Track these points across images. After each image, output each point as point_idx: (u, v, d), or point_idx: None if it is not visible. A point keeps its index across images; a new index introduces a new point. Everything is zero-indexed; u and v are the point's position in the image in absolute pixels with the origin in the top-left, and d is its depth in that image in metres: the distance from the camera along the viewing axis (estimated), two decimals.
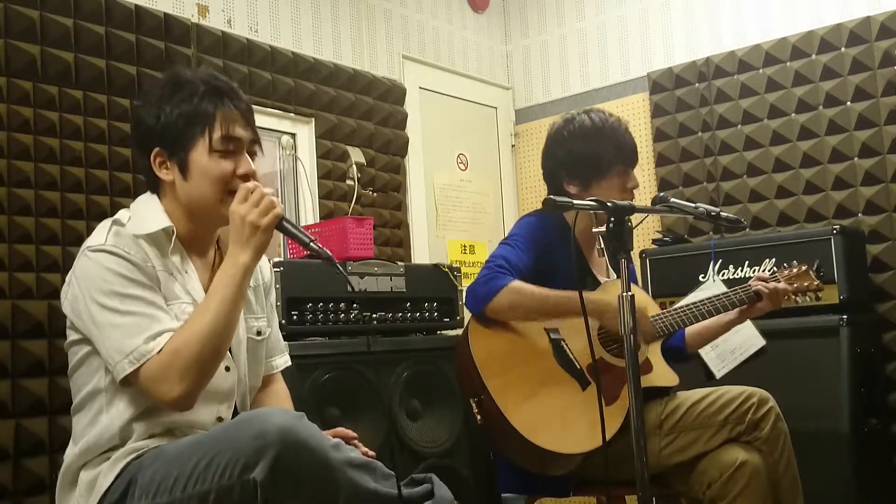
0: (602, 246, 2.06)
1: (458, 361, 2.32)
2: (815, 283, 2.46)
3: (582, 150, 2.37)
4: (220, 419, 1.75)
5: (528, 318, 2.27)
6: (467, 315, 2.38)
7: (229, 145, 1.73)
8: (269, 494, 1.44)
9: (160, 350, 1.60)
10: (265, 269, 2.00)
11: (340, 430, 1.85)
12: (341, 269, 1.74)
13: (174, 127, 1.72)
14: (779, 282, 2.42)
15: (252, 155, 1.78)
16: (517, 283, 2.22)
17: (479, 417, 2.21)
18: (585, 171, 2.37)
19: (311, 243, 1.69)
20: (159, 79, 1.88)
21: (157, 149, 1.75)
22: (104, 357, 1.65)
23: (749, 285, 2.41)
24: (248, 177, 1.74)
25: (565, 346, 2.28)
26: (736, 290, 2.40)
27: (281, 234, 3.32)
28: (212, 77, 1.78)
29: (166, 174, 1.75)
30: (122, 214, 1.76)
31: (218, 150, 1.72)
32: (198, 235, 1.81)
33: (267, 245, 1.69)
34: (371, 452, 1.73)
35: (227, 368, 1.77)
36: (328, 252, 1.71)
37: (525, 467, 2.26)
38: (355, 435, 1.84)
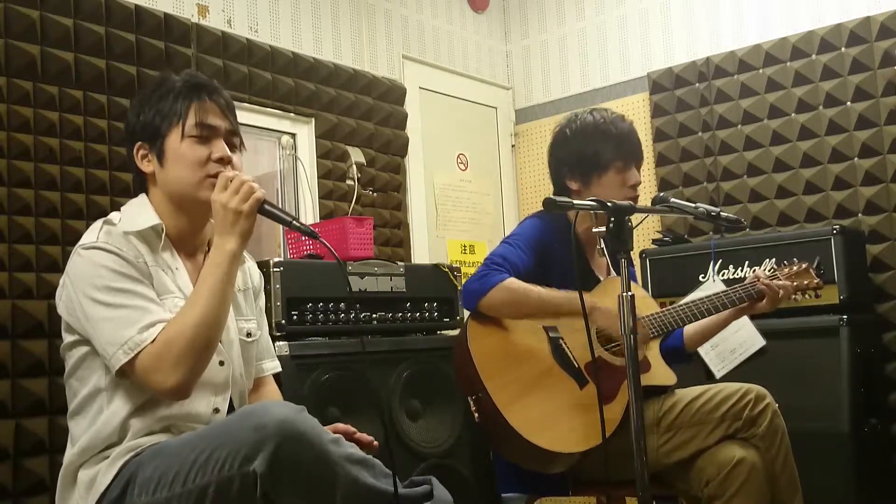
0: (602, 246, 2.07)
1: (456, 359, 2.32)
2: (816, 281, 2.46)
3: (581, 147, 2.39)
4: (216, 410, 1.76)
5: (522, 315, 2.27)
6: (467, 315, 2.38)
7: (203, 131, 1.77)
8: (268, 487, 1.44)
9: (153, 340, 1.61)
10: (255, 274, 2.02)
11: (340, 425, 1.85)
12: (328, 245, 1.76)
13: (152, 121, 1.79)
14: (780, 281, 2.42)
15: (232, 147, 1.82)
16: (511, 281, 2.22)
17: (476, 415, 2.21)
18: (585, 168, 2.39)
19: (294, 222, 1.73)
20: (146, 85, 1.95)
21: (138, 143, 1.81)
22: (100, 351, 1.66)
23: (751, 284, 2.40)
24: (223, 160, 1.77)
25: (564, 345, 2.28)
26: (735, 288, 2.40)
27: (281, 236, 3.36)
28: (191, 76, 1.85)
29: (147, 165, 1.81)
30: (112, 215, 1.79)
31: (191, 135, 1.77)
32: (187, 232, 1.84)
33: (251, 231, 1.72)
34: (375, 442, 1.76)
35: (222, 363, 1.78)
36: (311, 228, 1.74)
37: (523, 465, 2.26)
38: (354, 430, 1.85)
